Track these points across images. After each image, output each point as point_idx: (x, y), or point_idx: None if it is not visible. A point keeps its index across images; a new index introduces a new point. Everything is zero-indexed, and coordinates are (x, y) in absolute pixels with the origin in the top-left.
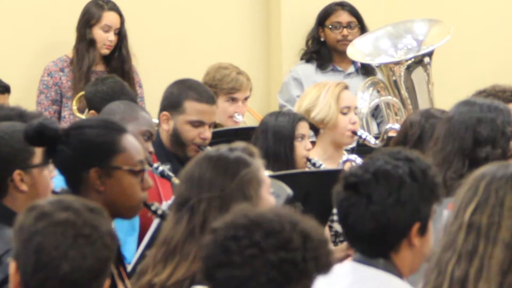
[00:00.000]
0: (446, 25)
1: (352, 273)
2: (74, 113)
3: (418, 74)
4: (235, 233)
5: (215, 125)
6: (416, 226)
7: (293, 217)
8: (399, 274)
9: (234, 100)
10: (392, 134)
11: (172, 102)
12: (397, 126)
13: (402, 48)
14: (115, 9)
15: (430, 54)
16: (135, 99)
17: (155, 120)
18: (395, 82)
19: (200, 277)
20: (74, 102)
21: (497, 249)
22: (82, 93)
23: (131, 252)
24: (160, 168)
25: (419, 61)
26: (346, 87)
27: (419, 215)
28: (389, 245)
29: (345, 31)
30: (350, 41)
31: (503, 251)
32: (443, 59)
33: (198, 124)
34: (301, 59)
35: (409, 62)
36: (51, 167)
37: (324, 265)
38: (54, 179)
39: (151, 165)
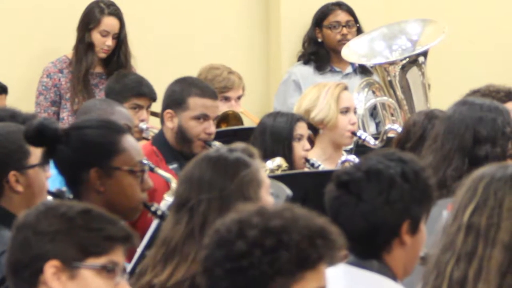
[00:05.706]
0: (440, 24)
1: (345, 276)
2: None
3: (413, 74)
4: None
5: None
6: (405, 224)
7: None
8: (392, 276)
9: (227, 99)
10: (391, 134)
11: (175, 100)
12: (396, 126)
13: (397, 49)
14: (116, 13)
15: (424, 54)
16: (154, 91)
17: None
18: (390, 82)
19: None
20: None
21: (496, 250)
22: None
23: None
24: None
25: (413, 61)
26: (346, 88)
27: (408, 214)
28: (381, 245)
29: (345, 30)
30: (349, 40)
31: (502, 252)
32: (438, 59)
33: (203, 118)
34: (298, 60)
35: (404, 62)
36: (46, 167)
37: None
38: (50, 179)
39: None
